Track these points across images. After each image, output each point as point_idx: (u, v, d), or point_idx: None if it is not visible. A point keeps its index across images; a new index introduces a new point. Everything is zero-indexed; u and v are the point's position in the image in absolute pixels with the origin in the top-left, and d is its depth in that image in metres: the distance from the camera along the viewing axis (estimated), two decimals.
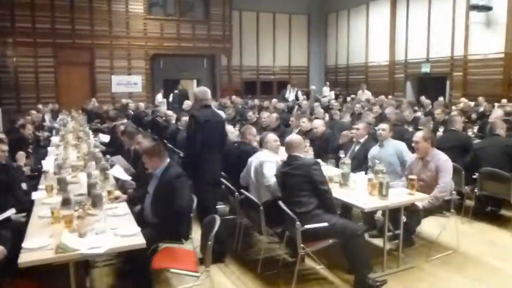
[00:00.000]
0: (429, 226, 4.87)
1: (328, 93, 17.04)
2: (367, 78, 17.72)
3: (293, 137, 4.25)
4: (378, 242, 4.64)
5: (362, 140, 5.60)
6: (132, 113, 11.98)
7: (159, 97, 15.77)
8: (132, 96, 15.55)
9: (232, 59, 17.77)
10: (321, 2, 19.88)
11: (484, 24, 12.97)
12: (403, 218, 4.18)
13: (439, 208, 4.49)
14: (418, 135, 4.58)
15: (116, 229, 3.20)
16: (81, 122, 10.36)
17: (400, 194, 4.15)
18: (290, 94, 15.54)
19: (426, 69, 15.15)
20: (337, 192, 4.19)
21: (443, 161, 4.42)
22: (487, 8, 12.65)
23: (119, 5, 15.51)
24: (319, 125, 6.54)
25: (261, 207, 3.97)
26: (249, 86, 19.10)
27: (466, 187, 5.44)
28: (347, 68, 19.01)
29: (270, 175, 4.23)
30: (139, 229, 3.23)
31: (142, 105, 11.57)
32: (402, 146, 5.17)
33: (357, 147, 5.61)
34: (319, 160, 4.48)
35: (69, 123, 10.48)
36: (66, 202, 3.43)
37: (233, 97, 14.67)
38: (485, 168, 5.18)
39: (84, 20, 15.07)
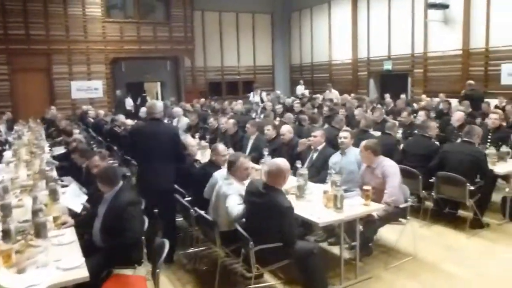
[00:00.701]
0: (388, 233, 4.90)
1: (302, 91, 16.79)
2: (331, 76, 17.85)
3: (275, 164, 3.77)
4: (337, 250, 4.58)
5: (319, 148, 5.58)
6: (92, 121, 11.69)
7: (129, 102, 15.48)
8: (93, 102, 15.17)
9: (195, 60, 17.57)
10: (284, 1, 19.87)
11: (442, 22, 13.24)
12: (360, 228, 4.20)
13: (395, 216, 4.52)
14: (361, 144, 4.65)
15: (59, 261, 3.04)
16: (37, 133, 9.94)
17: (355, 206, 4.13)
18: (254, 97, 15.25)
19: (388, 66, 15.38)
20: (293, 205, 4.14)
21: (388, 166, 4.51)
22: (444, 6, 12.88)
23: (75, 9, 15.03)
24: (286, 131, 6.41)
25: (217, 226, 3.88)
26: (215, 87, 18.93)
27: (423, 192, 5.51)
28: (311, 67, 19.09)
29: (233, 207, 3.92)
30: (83, 260, 3.08)
31: (102, 112, 11.27)
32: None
33: (315, 155, 5.59)
34: None
35: (25, 135, 10.06)
36: (6, 235, 3.24)
37: (194, 100, 14.47)
38: (442, 172, 5.24)
39: (39, 24, 14.53)
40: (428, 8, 13.22)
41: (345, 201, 4.06)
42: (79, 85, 15.14)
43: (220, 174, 4.27)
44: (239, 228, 3.68)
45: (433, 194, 5.43)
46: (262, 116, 10.18)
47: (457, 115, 7.24)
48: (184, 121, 9.78)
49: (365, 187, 4.19)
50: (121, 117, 9.43)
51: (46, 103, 14.18)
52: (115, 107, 15.17)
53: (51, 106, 13.36)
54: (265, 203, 3.61)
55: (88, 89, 15.26)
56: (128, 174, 5.66)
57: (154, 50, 16.38)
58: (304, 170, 4.81)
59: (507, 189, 5.62)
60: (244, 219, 3.84)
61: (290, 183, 4.61)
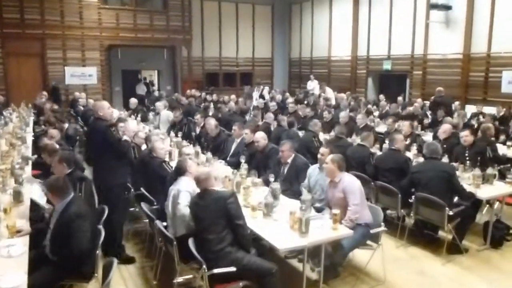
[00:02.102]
0: (360, 253, 4.69)
1: (313, 87, 16.13)
2: (329, 72, 17.56)
3: (199, 171, 3.94)
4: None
5: (289, 160, 5.39)
6: (82, 109, 11.50)
7: (142, 87, 15.37)
8: (87, 89, 14.98)
9: (193, 50, 17.27)
10: None
11: (443, 24, 12.91)
12: (329, 249, 4.03)
13: (364, 238, 4.34)
14: (329, 157, 4.52)
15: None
16: (23, 121, 9.74)
17: (323, 228, 3.94)
18: (256, 93, 14.51)
19: (387, 66, 15.07)
20: (258, 224, 4.01)
21: (349, 182, 4.37)
22: (447, 7, 12.56)
23: None
24: (260, 138, 6.15)
25: (175, 242, 3.73)
26: (212, 77, 18.67)
27: (402, 210, 5.33)
28: (311, 61, 18.78)
29: (184, 204, 3.96)
30: (25, 278, 2.96)
31: (91, 101, 10.95)
32: None
33: (286, 168, 5.40)
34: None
35: (12, 122, 9.86)
36: None
37: (188, 91, 14.22)
38: (421, 193, 5.04)
39: (34, 9, 14.26)
40: (430, 9, 12.88)
41: (313, 222, 3.89)
42: (73, 71, 14.92)
43: (174, 185, 4.25)
44: (192, 248, 3.59)
45: (411, 215, 5.26)
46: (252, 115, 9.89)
47: (444, 127, 6.97)
48: (165, 116, 9.51)
49: (334, 211, 4.00)
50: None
51: (40, 88, 13.98)
52: None
53: (42, 92, 13.12)
54: (210, 202, 3.67)
55: (82, 75, 15.04)
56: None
57: (150, 38, 16.10)
58: (275, 185, 4.64)
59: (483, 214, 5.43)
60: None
61: (258, 198, 4.45)
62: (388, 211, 5.71)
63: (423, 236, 5.46)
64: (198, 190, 3.90)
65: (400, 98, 12.83)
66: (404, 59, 14.41)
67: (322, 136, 7.89)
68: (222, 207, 3.60)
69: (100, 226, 3.85)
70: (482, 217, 5.66)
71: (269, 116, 8.88)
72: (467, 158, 6.20)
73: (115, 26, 15.47)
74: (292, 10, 19.58)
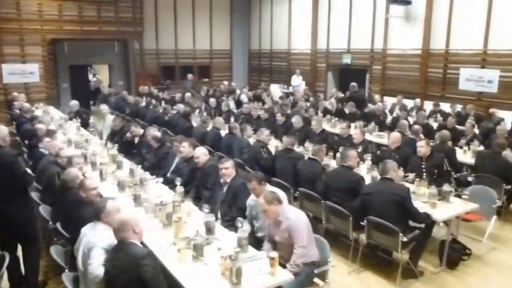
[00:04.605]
0: None
1: (299, 83, 15.51)
2: (289, 65, 17.06)
3: (118, 217, 3.25)
4: None
5: (229, 180, 4.81)
6: (18, 112, 10.53)
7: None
8: (28, 87, 13.84)
9: (147, 43, 16.34)
10: None
11: (403, 19, 12.58)
12: None
13: (309, 277, 3.86)
14: (261, 202, 3.83)
15: None
16: None
17: (260, 273, 3.42)
18: (230, 101, 12.84)
19: (347, 60, 14.69)
20: (187, 271, 3.42)
21: (293, 220, 3.77)
22: (406, 2, 12.25)
23: None
24: (200, 154, 5.55)
25: None
26: (168, 71, 17.80)
27: (353, 233, 4.90)
28: (270, 54, 18.21)
29: (97, 264, 3.22)
30: None
31: (26, 105, 10.01)
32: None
33: (225, 188, 4.82)
34: None
35: None
36: None
37: (141, 87, 13.37)
38: (373, 218, 4.61)
39: None
40: (390, 3, 12.50)
41: (250, 264, 3.43)
42: (12, 68, 13.59)
43: (87, 230, 3.47)
44: None
45: (364, 238, 4.83)
46: (199, 120, 9.16)
47: (392, 137, 6.49)
48: (110, 121, 8.69)
49: (271, 255, 3.47)
50: (46, 118, 8.30)
51: None
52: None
53: None
54: (120, 266, 3.00)
55: (22, 73, 13.72)
56: None
57: (98, 31, 14.96)
58: (209, 217, 4.06)
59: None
60: None
61: (192, 229, 3.88)
62: None
63: (377, 258, 5.08)
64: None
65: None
66: (364, 53, 14.05)
67: (275, 144, 7.38)
68: (134, 269, 2.94)
69: None
70: (438, 232, 5.30)
71: (219, 121, 8.26)
72: (423, 170, 5.86)
73: (58, 18, 14.21)
74: (251, 0, 18.88)
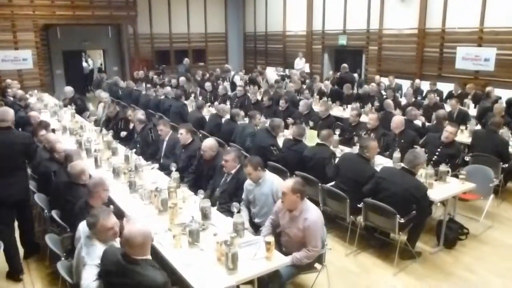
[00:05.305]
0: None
1: (302, 66, 15.29)
2: (285, 48, 16.90)
3: (138, 232, 2.76)
4: None
5: (233, 172, 4.76)
6: (12, 99, 10.42)
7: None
8: (22, 74, 13.71)
9: (141, 27, 16.14)
10: None
11: None
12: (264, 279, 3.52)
13: (307, 266, 3.85)
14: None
15: None
16: None
17: (256, 259, 3.41)
18: (226, 83, 13.18)
19: (343, 41, 14.56)
20: (182, 257, 3.40)
21: (312, 222, 3.64)
22: None
23: None
24: (207, 148, 5.10)
25: None
26: (162, 55, 17.65)
27: (351, 217, 4.89)
28: (265, 36, 18.03)
29: (89, 283, 2.97)
30: None
31: (19, 92, 9.91)
32: (278, 185, 4.32)
33: (228, 178, 4.77)
34: None
35: None
36: None
37: (136, 73, 13.23)
38: (370, 200, 4.59)
39: None
40: None
41: (246, 249, 3.41)
42: (5, 55, 13.46)
43: (83, 228, 3.31)
44: None
45: (361, 221, 4.83)
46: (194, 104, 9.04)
47: (395, 121, 6.23)
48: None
49: (267, 239, 3.44)
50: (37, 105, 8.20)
51: None
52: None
53: None
54: (131, 284, 2.71)
55: (15, 59, 13.61)
56: None
57: (91, 16, 14.75)
58: (205, 202, 4.03)
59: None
60: None
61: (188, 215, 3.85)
62: None
63: (375, 240, 5.07)
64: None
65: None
66: (359, 34, 13.92)
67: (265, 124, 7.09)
68: None
69: None
70: (435, 212, 5.30)
71: (222, 108, 8.05)
72: (437, 154, 5.72)
73: (50, 3, 13.99)
74: None
